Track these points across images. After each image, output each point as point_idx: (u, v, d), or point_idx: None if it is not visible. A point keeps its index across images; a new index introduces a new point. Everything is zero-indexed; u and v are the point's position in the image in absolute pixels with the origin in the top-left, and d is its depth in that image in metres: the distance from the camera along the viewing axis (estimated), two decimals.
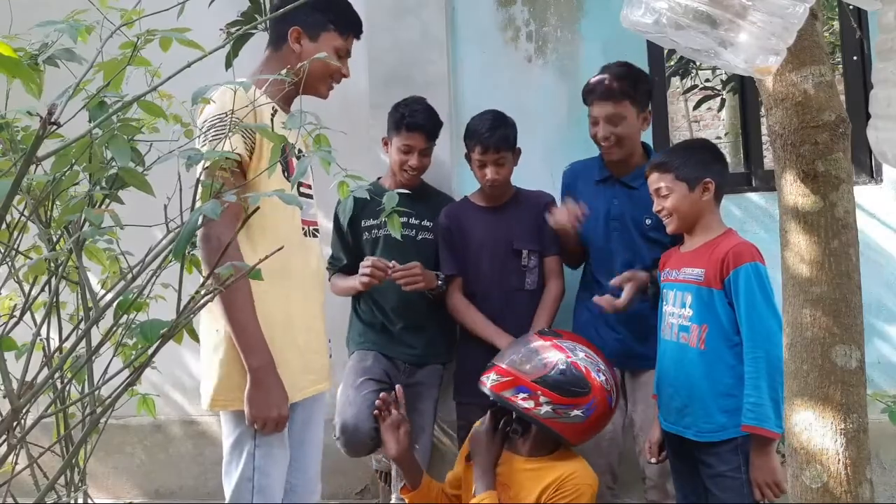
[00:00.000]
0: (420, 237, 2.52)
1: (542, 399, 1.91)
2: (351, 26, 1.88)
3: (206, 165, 1.48)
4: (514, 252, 2.45)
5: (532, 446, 2.00)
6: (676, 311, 2.01)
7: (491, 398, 1.98)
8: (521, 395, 1.93)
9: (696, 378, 1.92)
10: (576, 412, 1.92)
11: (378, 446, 2.40)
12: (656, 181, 2.03)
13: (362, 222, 2.50)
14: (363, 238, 2.52)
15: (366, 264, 2.34)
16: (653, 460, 2.09)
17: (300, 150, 1.72)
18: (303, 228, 1.79)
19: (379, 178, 2.62)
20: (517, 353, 2.02)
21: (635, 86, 2.28)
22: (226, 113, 1.53)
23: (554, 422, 1.92)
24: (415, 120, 2.46)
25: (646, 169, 2.10)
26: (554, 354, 1.97)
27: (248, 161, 1.62)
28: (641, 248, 2.33)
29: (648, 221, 2.32)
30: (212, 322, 1.67)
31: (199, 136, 1.55)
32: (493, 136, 2.37)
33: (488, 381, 1.99)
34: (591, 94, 2.33)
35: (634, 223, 2.33)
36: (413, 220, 2.50)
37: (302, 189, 1.81)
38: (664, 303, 2.07)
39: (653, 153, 2.42)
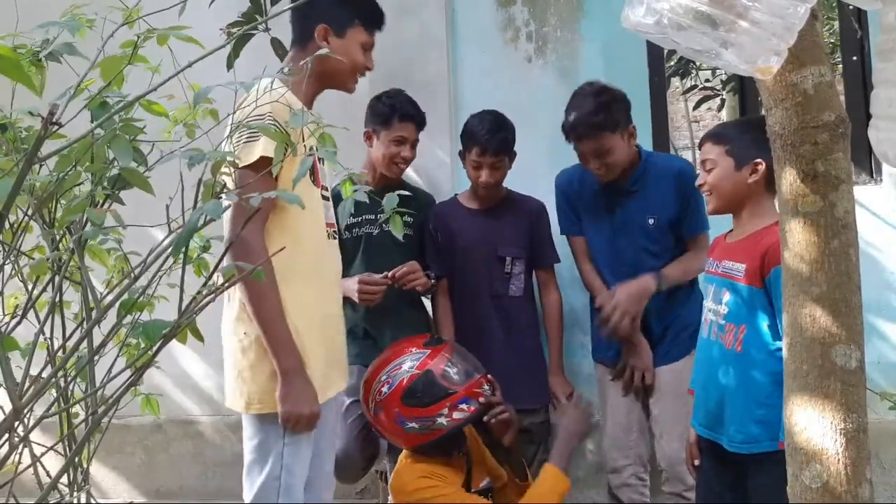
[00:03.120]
0: (403, 232, 2.49)
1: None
2: (376, 20, 1.89)
3: (248, 162, 1.47)
4: (498, 258, 2.44)
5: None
6: (713, 308, 1.88)
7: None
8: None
9: (730, 382, 1.80)
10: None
11: (369, 468, 2.41)
12: (706, 152, 1.89)
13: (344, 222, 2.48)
14: (344, 237, 2.47)
15: (362, 287, 2.30)
16: (696, 462, 1.99)
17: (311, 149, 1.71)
18: (325, 230, 1.80)
19: None
20: None
21: (609, 114, 2.23)
22: (264, 115, 1.51)
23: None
24: (406, 111, 2.43)
25: (701, 138, 1.97)
26: None
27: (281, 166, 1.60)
28: (647, 252, 2.34)
29: (651, 221, 2.32)
30: (239, 325, 1.68)
31: (229, 137, 1.51)
32: (493, 139, 2.35)
33: None
34: (569, 134, 2.30)
35: (639, 226, 2.33)
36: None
37: (322, 192, 1.81)
38: (705, 297, 1.97)
39: (643, 152, 2.42)
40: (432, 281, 2.43)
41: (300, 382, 1.63)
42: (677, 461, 2.23)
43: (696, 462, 1.99)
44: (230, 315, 1.71)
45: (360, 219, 2.46)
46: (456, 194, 2.62)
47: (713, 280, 1.92)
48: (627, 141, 2.28)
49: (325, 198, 1.83)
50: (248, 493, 1.68)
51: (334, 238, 1.86)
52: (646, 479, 2.37)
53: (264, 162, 1.54)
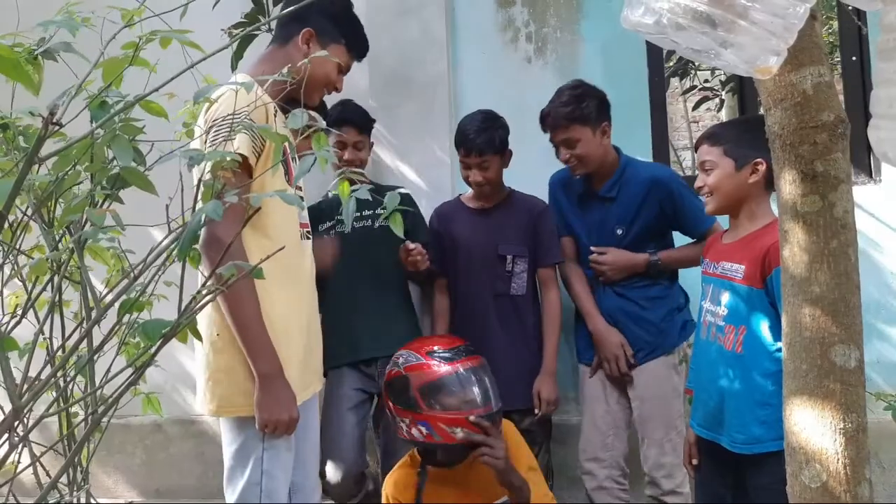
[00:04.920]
0: (377, 225, 2.48)
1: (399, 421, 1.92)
2: (359, 48, 1.93)
3: (207, 167, 1.48)
4: (499, 257, 2.44)
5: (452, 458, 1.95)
6: (712, 309, 1.88)
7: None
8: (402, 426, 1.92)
9: (730, 384, 1.79)
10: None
11: (364, 480, 2.41)
12: (704, 153, 1.88)
13: (319, 227, 2.47)
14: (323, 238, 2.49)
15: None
16: (694, 461, 1.98)
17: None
18: (299, 231, 1.80)
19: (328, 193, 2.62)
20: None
21: (580, 107, 2.30)
22: (231, 113, 1.52)
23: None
24: (342, 115, 2.49)
25: (697, 140, 1.97)
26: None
27: (255, 162, 1.61)
28: None
29: (619, 231, 2.37)
30: (212, 326, 1.66)
31: (202, 136, 1.55)
32: (478, 139, 2.37)
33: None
34: (543, 124, 2.38)
35: (608, 235, 2.38)
36: (366, 212, 2.47)
37: (296, 192, 1.81)
38: (701, 298, 1.96)
39: (622, 155, 2.43)
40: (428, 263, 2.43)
41: (279, 387, 1.61)
42: (655, 467, 2.25)
43: (695, 461, 1.98)
44: (203, 315, 1.68)
45: (334, 220, 2.47)
46: (460, 195, 2.62)
47: (710, 281, 1.92)
48: (599, 138, 2.33)
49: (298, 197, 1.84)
50: (230, 498, 1.67)
51: (308, 238, 1.86)
52: (624, 483, 2.36)
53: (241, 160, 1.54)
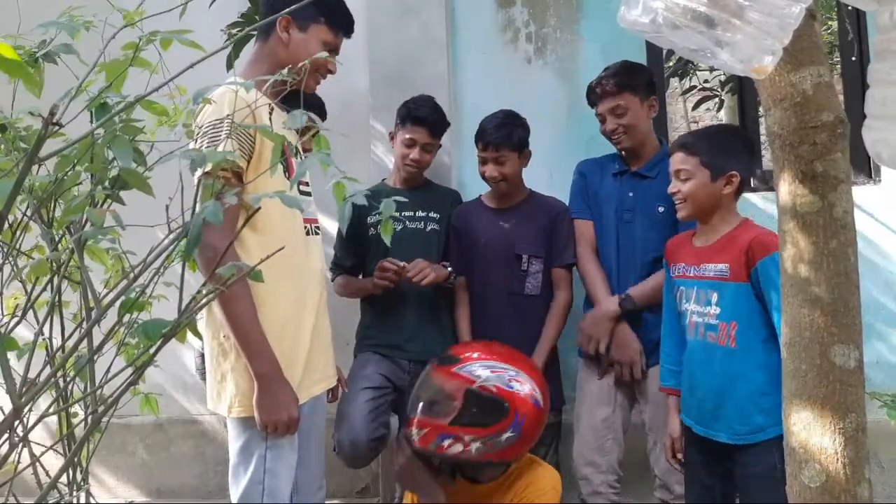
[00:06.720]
0: (429, 228, 2.52)
1: (467, 439, 1.74)
2: (342, 24, 1.87)
3: (205, 169, 1.48)
4: (515, 256, 2.45)
5: (488, 475, 1.87)
6: (700, 310, 1.92)
7: (424, 453, 1.81)
8: (447, 442, 1.76)
9: (728, 379, 1.84)
10: (506, 435, 1.74)
11: (378, 451, 2.40)
12: (679, 162, 1.94)
13: (368, 219, 2.48)
14: (368, 234, 2.50)
15: (379, 269, 2.37)
16: (679, 456, 2.01)
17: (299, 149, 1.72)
18: (305, 227, 1.80)
19: (384, 180, 2.65)
20: (424, 398, 1.84)
21: (632, 77, 2.34)
22: (224, 117, 1.52)
23: (489, 454, 1.76)
24: (419, 114, 2.47)
25: (669, 147, 2.02)
26: (456, 386, 1.78)
27: (245, 168, 1.61)
28: (653, 239, 2.32)
29: (661, 209, 2.32)
30: (218, 329, 1.67)
31: (196, 139, 1.54)
32: (496, 133, 2.39)
33: (413, 435, 1.81)
34: (592, 94, 2.40)
35: (648, 213, 2.34)
36: (420, 213, 2.51)
37: (301, 187, 1.81)
38: (684, 301, 1.99)
39: (666, 146, 2.44)
40: (449, 270, 2.44)
41: (277, 387, 1.61)
42: (666, 472, 2.25)
43: (679, 456, 2.01)
44: (211, 317, 1.70)
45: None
46: (480, 195, 2.62)
47: (694, 284, 1.95)
48: (646, 111, 2.37)
49: (304, 193, 1.83)
50: (234, 496, 1.68)
51: (316, 234, 1.85)
52: (617, 487, 2.34)
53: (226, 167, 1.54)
